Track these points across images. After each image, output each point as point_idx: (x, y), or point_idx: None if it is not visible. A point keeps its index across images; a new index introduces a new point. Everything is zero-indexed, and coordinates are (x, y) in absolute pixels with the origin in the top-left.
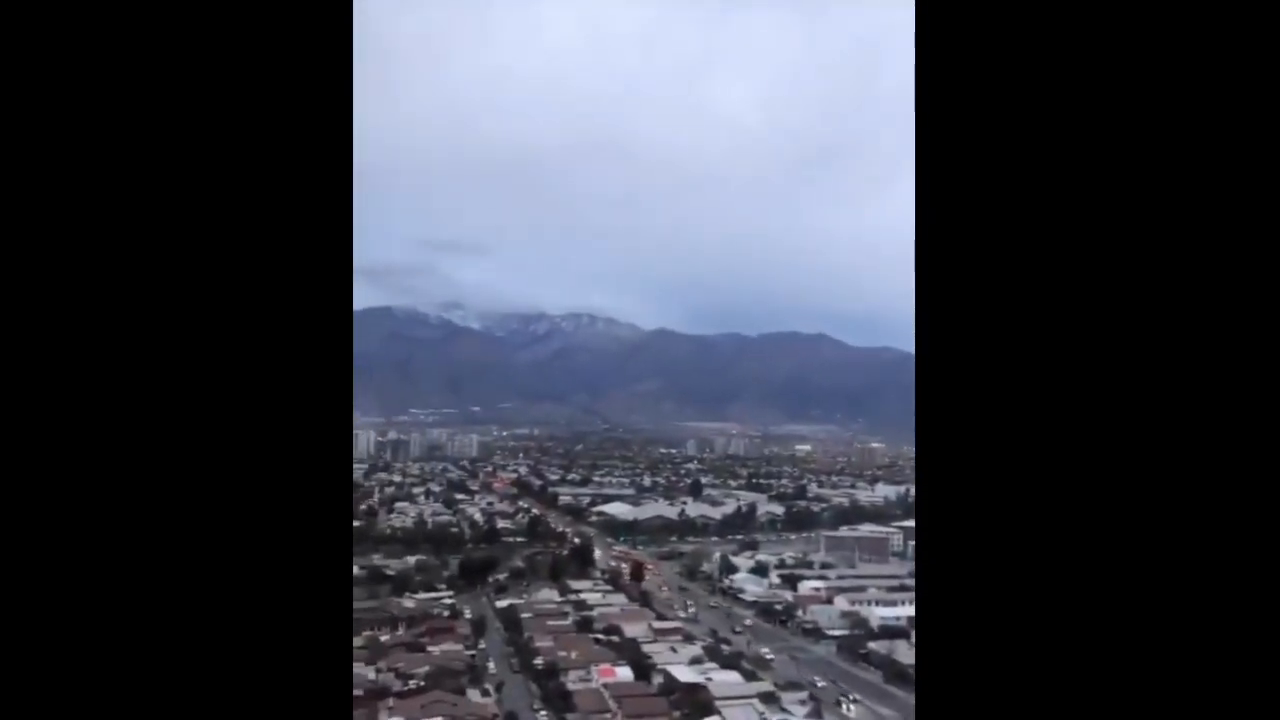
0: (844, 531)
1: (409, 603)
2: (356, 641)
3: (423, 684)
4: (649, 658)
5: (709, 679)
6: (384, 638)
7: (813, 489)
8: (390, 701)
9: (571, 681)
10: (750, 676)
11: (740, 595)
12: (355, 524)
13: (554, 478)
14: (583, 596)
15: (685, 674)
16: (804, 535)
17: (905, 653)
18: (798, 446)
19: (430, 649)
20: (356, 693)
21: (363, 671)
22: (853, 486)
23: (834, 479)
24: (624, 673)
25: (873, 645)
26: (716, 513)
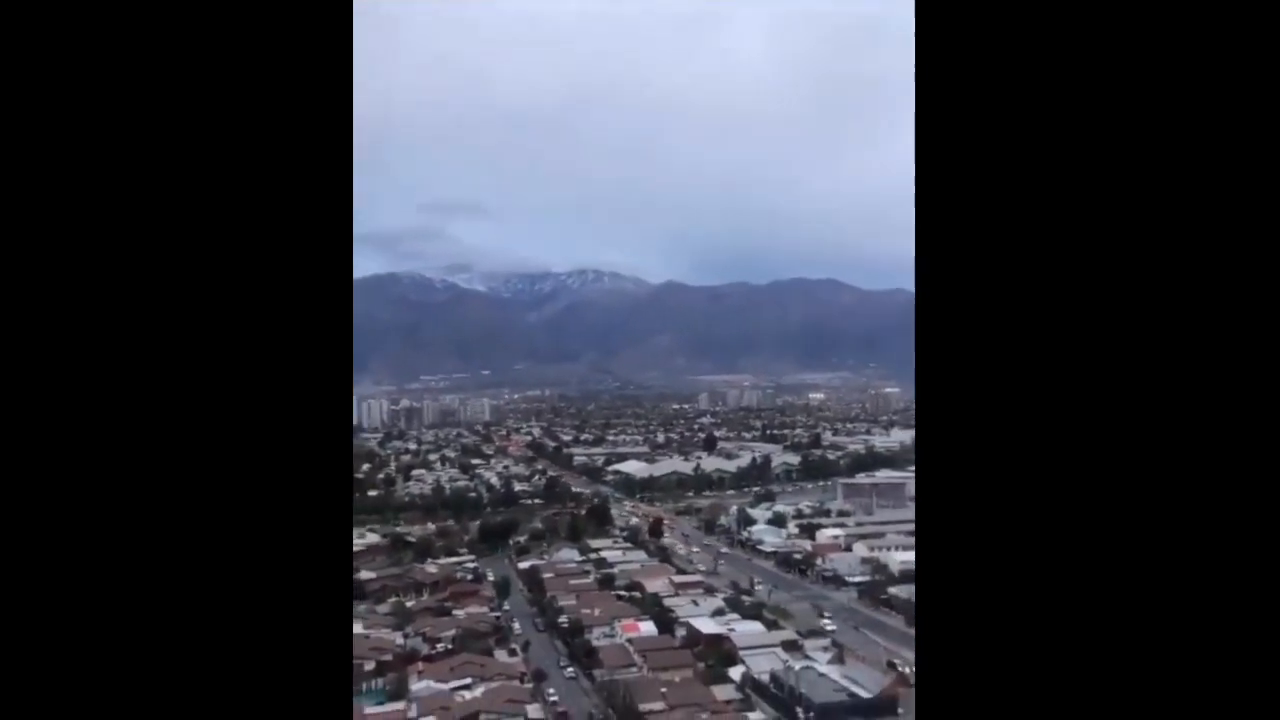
0: (861, 478)
1: (432, 568)
2: (383, 609)
3: (450, 647)
4: (671, 611)
5: (731, 630)
6: (409, 603)
7: (828, 437)
8: (419, 665)
9: (596, 638)
10: (772, 626)
11: (759, 547)
12: (374, 493)
13: (568, 438)
14: (603, 555)
15: (708, 626)
16: (820, 484)
17: None
18: (811, 395)
19: (456, 612)
20: (386, 658)
21: (390, 637)
22: (868, 433)
23: (849, 426)
24: (647, 627)
25: (893, 590)
26: (732, 465)
